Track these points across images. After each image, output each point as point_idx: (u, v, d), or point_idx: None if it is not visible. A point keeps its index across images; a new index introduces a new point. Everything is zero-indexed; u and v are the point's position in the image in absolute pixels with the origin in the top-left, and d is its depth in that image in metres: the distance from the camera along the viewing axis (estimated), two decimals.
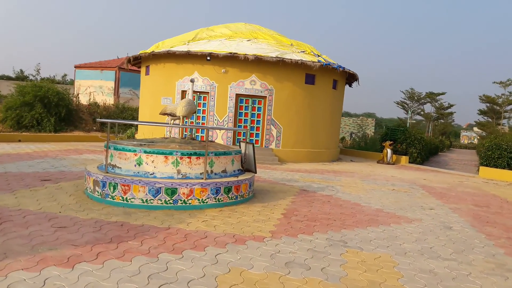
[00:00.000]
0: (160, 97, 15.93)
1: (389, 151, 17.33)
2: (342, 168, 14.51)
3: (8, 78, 30.07)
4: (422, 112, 58.30)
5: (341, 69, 15.89)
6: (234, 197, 6.87)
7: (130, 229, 5.10)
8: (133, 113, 24.25)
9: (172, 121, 8.27)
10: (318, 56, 16.22)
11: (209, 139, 13.66)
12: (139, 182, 6.23)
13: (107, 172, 6.63)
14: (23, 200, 6.29)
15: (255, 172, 7.67)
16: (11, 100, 19.81)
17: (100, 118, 22.70)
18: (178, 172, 6.55)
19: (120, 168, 6.65)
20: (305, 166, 14.05)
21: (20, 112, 19.27)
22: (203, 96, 15.27)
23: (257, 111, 15.16)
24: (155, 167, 6.50)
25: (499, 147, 15.00)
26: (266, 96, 14.99)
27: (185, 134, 14.78)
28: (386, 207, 7.66)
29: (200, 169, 6.68)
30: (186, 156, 6.57)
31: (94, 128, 22.55)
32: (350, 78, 18.05)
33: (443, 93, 56.16)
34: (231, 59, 14.55)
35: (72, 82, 31.78)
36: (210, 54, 14.42)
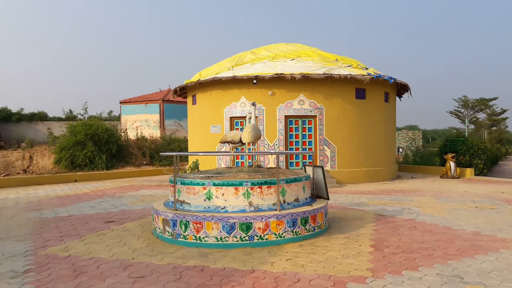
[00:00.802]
0: (209, 125, 15.76)
1: (452, 164, 16.17)
2: (406, 186, 13.58)
3: (59, 119, 31.26)
4: (476, 120, 55.06)
5: (392, 80, 15.13)
6: (312, 228, 6.29)
7: (212, 275, 4.63)
8: (180, 144, 24.32)
9: (234, 149, 7.89)
10: (366, 69, 15.57)
11: (261, 165, 13.22)
12: (212, 219, 5.80)
13: (176, 210, 6.26)
14: (92, 246, 6.01)
15: (328, 199, 7.08)
16: (64, 141, 20.33)
17: (149, 152, 22.99)
18: (250, 204, 6.08)
19: (189, 204, 6.27)
20: (366, 187, 13.25)
21: (73, 151, 19.70)
22: None
23: (308, 131, 14.61)
24: (225, 200, 6.07)
25: None
26: (316, 115, 14.44)
27: (249, 162, 14.42)
28: (482, 228, 6.81)
29: (272, 200, 6.18)
30: (257, 186, 6.10)
31: (144, 162, 22.72)
32: (401, 89, 17.22)
33: (495, 98, 53.11)
34: (278, 80, 14.19)
35: (118, 118, 32.60)
36: (256, 77, 14.14)
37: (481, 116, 56.02)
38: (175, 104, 29.75)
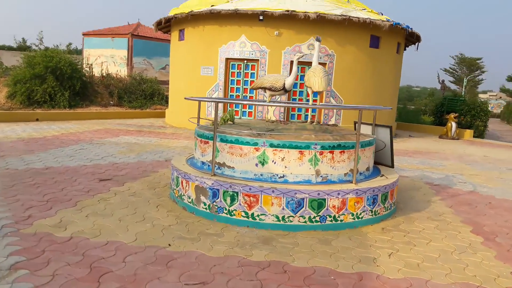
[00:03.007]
0: (199, 66, 13.70)
1: (453, 124, 15.33)
2: (416, 146, 12.54)
3: (10, 48, 27.43)
4: (473, 80, 53.73)
5: (409, 29, 13.63)
6: (389, 206, 4.91)
7: (308, 284, 3.14)
8: (153, 85, 21.95)
9: (270, 97, 6.23)
10: (382, 14, 13.93)
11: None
12: (273, 192, 4.23)
13: (214, 175, 4.62)
14: (99, 221, 4.31)
15: (392, 167, 5.68)
16: (20, 73, 17.43)
17: (118, 91, 20.54)
18: (317, 173, 4.55)
19: (233, 168, 4.64)
20: None
21: (31, 85, 16.95)
22: (251, 65, 13.07)
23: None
24: (285, 167, 4.49)
25: None
26: (326, 63, 12.80)
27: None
28: None
29: (343, 168, 4.68)
30: (328, 151, 4.55)
31: (111, 102, 20.30)
32: (408, 41, 15.79)
33: (479, 58, 52.23)
34: (287, 19, 12.26)
35: (79, 52, 29.19)
36: (263, 13, 12.11)
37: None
38: (145, 40, 26.85)
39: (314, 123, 5.50)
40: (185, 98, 5.60)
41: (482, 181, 7.38)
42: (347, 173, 4.70)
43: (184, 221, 4.45)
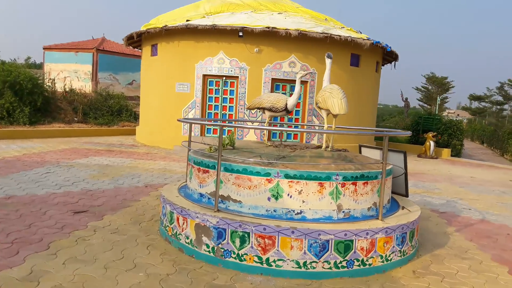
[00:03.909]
0: (173, 83, 12.96)
1: (432, 143, 15.31)
2: None
3: None
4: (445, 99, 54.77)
5: (390, 48, 13.54)
6: (415, 244, 4.38)
7: None
8: (120, 101, 20.90)
9: (270, 118, 5.65)
10: (360, 32, 13.79)
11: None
12: (293, 232, 3.60)
13: (218, 210, 3.93)
14: (80, 269, 3.52)
15: (407, 196, 5.19)
16: None
17: (82, 108, 19.33)
18: (339, 208, 3.96)
19: (240, 202, 3.98)
20: None
21: None
22: (231, 82, 12.48)
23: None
24: (303, 201, 3.88)
25: None
26: (307, 81, 12.42)
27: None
28: None
29: (367, 202, 4.12)
30: (351, 182, 3.99)
31: (76, 119, 19.08)
32: (385, 60, 15.75)
33: (445, 77, 53.62)
34: (267, 36, 11.83)
35: (38, 66, 27.62)
36: (243, 29, 11.61)
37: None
38: (111, 54, 25.77)
39: (328, 148, 4.89)
40: (178, 120, 4.90)
41: (485, 207, 7.05)
42: (370, 207, 4.14)
43: (184, 267, 3.72)
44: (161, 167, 9.35)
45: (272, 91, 12.22)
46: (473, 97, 54.30)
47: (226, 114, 12.60)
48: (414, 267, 4.03)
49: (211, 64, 12.37)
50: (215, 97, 12.64)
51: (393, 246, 3.93)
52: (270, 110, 5.42)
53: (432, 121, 17.14)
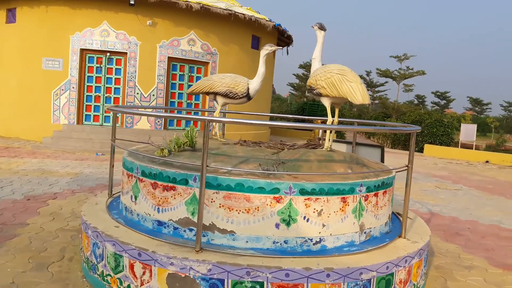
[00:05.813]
0: (40, 58, 10.32)
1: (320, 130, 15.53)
2: None
3: None
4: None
5: (287, 32, 13.04)
6: (424, 260, 3.66)
7: None
8: None
9: (224, 106, 4.40)
10: (259, 13, 12.98)
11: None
12: (328, 276, 2.48)
13: (201, 249, 2.57)
14: None
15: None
16: None
17: None
18: (361, 229, 2.98)
19: (233, 233, 2.68)
20: None
21: None
22: (117, 59, 10.45)
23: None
24: (323, 225, 2.78)
25: (442, 124, 14.68)
26: (208, 62, 11.13)
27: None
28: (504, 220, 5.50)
29: (385, 216, 3.23)
30: (373, 193, 3.03)
31: None
32: (280, 43, 15.29)
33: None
34: (165, 8, 10.14)
35: None
36: None
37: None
38: None
39: (324, 148, 3.71)
40: (108, 109, 3.26)
41: (418, 197, 6.93)
42: (387, 222, 3.26)
43: None
44: (35, 168, 7.15)
45: (168, 71, 10.60)
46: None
47: (111, 97, 10.54)
48: None
49: (92, 37, 10.14)
50: (96, 77, 10.47)
51: (422, 269, 3.13)
52: (225, 96, 4.14)
53: (317, 107, 17.50)
